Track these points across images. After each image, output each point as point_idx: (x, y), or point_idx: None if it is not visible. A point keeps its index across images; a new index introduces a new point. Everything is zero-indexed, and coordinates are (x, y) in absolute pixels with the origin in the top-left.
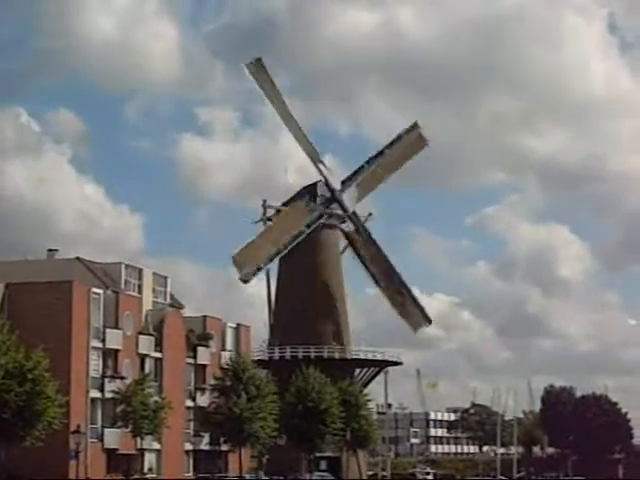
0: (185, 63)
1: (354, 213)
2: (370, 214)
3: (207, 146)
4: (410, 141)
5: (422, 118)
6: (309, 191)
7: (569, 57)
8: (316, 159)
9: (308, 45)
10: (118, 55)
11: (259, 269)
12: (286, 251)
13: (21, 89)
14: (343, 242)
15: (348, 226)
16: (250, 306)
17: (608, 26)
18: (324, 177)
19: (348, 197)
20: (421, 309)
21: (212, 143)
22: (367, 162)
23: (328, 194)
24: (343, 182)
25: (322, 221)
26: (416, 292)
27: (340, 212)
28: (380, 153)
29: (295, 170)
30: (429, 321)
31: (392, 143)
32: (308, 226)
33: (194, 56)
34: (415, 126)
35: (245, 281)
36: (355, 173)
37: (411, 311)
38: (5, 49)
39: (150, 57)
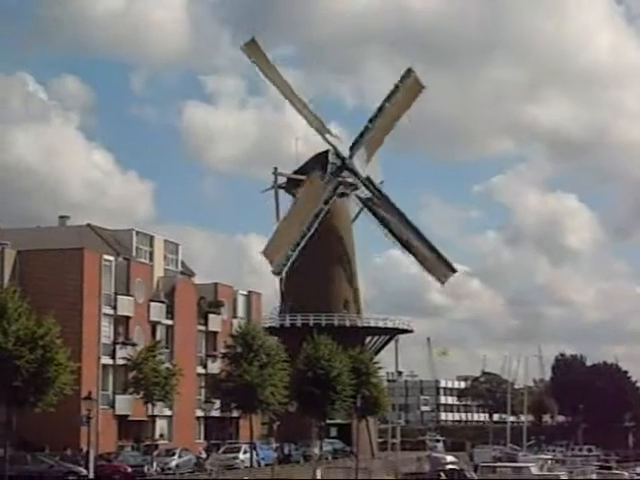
0: (192, 32)
1: (367, 178)
2: (382, 182)
3: (214, 114)
4: (407, 88)
5: (426, 87)
6: (320, 160)
7: (575, 26)
8: (323, 131)
9: (312, 15)
10: (125, 23)
11: (289, 258)
12: (310, 233)
13: (27, 56)
14: (354, 210)
15: (363, 192)
16: (258, 273)
17: None
18: (333, 147)
19: (358, 162)
20: (444, 260)
21: (219, 111)
22: (370, 121)
23: (339, 162)
24: (351, 147)
25: (338, 191)
26: None
27: (351, 180)
28: (381, 108)
29: (302, 138)
30: (454, 270)
31: (390, 95)
32: (326, 202)
33: (201, 25)
34: (409, 72)
35: (278, 273)
36: (361, 135)
37: (435, 264)
38: (11, 16)
39: (157, 25)
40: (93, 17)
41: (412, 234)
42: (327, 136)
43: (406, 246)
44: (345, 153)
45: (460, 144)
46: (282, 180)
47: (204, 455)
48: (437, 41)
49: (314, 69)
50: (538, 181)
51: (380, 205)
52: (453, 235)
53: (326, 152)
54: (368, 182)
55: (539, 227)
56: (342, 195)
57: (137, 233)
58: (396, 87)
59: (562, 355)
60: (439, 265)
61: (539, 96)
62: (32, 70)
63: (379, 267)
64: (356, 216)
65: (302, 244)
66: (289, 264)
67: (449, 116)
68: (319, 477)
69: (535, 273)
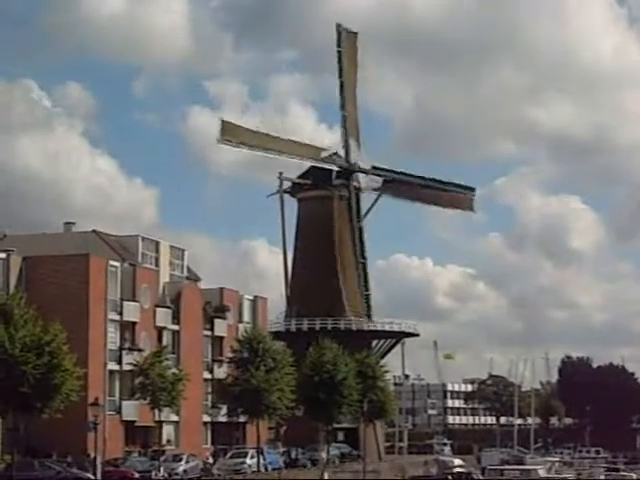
0: (194, 37)
1: (373, 167)
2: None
3: (217, 119)
4: (346, 45)
5: (428, 90)
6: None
7: (577, 29)
8: (317, 156)
9: (315, 18)
10: (127, 29)
11: None
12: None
13: (31, 63)
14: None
15: (376, 181)
16: (263, 278)
17: None
18: (334, 163)
19: (356, 156)
20: (461, 187)
21: (222, 116)
22: (342, 108)
23: (345, 164)
24: (344, 146)
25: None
26: (429, 263)
27: (356, 184)
28: (342, 86)
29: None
30: (472, 189)
31: (340, 66)
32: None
33: (202, 30)
34: (339, 27)
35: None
36: (344, 127)
37: (457, 197)
38: (14, 22)
39: (159, 31)
40: (96, 23)
41: (430, 186)
42: (323, 154)
43: (431, 202)
44: (344, 155)
45: (462, 146)
46: (287, 184)
47: (211, 460)
48: (439, 43)
49: (317, 73)
50: (541, 183)
51: (395, 182)
52: (457, 238)
53: (330, 156)
54: (377, 170)
55: (543, 229)
56: (344, 198)
57: (143, 239)
58: (339, 53)
59: (569, 357)
60: (460, 196)
61: (541, 98)
62: (35, 76)
63: (383, 271)
64: (369, 207)
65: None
66: None
67: (451, 118)
68: None
69: (540, 275)
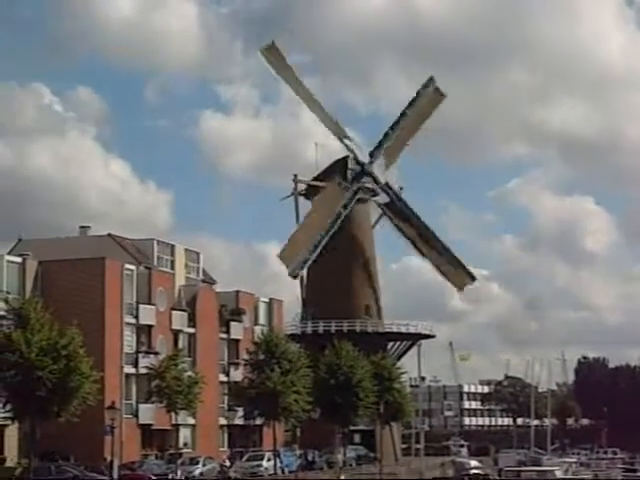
0: (205, 42)
1: (387, 184)
2: (402, 188)
3: (229, 123)
4: (428, 97)
5: (446, 96)
6: (339, 166)
7: (586, 30)
8: (342, 135)
9: (325, 22)
10: (138, 34)
11: (305, 261)
12: (327, 238)
13: (42, 68)
14: (374, 215)
15: (382, 198)
16: (277, 281)
17: None
18: (352, 152)
19: (378, 168)
20: (464, 268)
21: (234, 120)
22: (391, 128)
23: (358, 168)
24: (371, 153)
25: (357, 196)
26: None
27: (371, 185)
28: (402, 115)
29: (321, 144)
30: (473, 278)
31: (411, 102)
32: (345, 206)
33: (214, 35)
34: (431, 80)
35: (295, 276)
36: (381, 142)
37: (454, 271)
38: (26, 28)
39: (170, 36)
40: (107, 29)
41: (431, 240)
42: (346, 141)
43: (423, 253)
44: (364, 159)
45: (474, 149)
46: (301, 187)
47: (228, 463)
48: (450, 46)
49: (328, 76)
50: (554, 184)
51: (399, 211)
52: (471, 239)
53: (345, 158)
54: (387, 187)
55: (557, 231)
56: (361, 201)
57: (158, 242)
58: (417, 94)
59: (585, 358)
60: (458, 273)
61: (552, 99)
62: (47, 82)
63: (396, 274)
64: (376, 222)
65: (319, 248)
66: (305, 267)
67: (463, 121)
68: None
69: (554, 277)
